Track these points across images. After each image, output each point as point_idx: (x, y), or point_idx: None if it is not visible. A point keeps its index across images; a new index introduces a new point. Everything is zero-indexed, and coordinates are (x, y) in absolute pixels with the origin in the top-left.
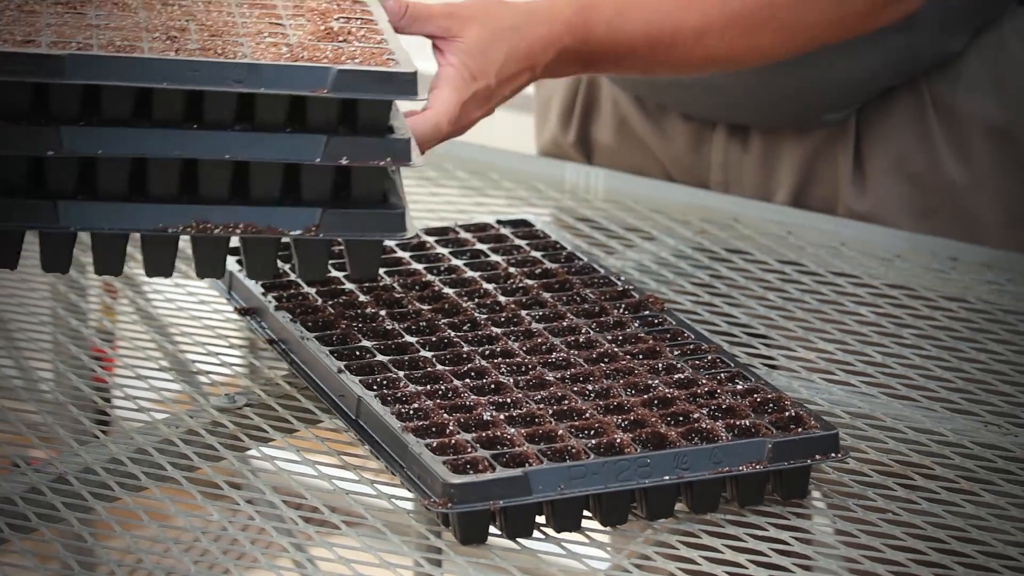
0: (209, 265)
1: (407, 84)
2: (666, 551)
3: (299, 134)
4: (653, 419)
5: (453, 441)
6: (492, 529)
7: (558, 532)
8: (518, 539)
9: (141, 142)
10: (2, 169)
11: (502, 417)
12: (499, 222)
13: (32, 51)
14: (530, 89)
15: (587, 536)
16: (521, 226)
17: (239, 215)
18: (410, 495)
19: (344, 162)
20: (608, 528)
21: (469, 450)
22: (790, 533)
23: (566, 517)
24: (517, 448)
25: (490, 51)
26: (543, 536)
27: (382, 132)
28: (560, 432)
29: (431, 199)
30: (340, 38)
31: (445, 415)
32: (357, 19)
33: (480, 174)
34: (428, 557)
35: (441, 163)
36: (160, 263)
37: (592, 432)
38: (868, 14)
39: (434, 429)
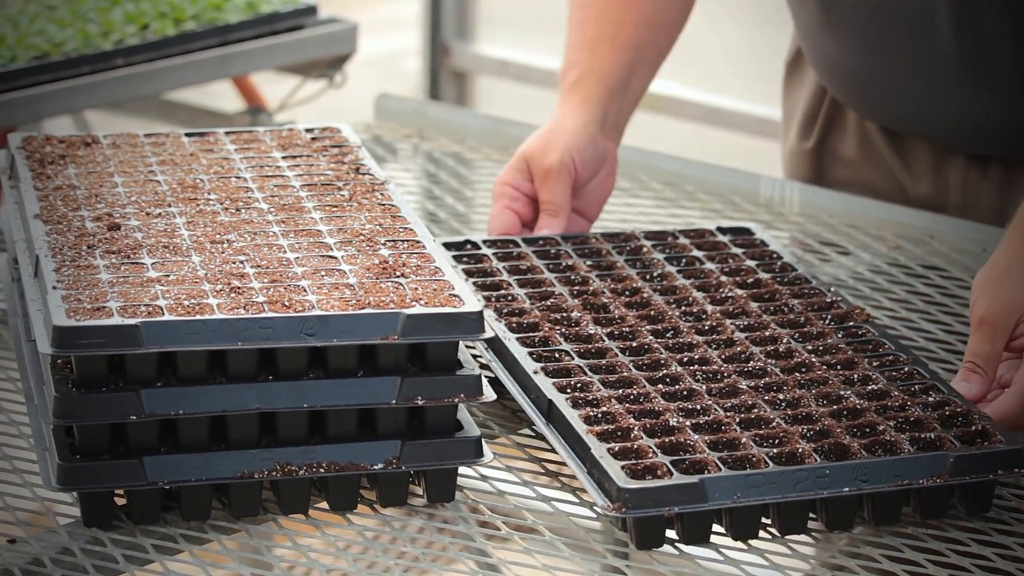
0: (294, 502)
1: (474, 324)
2: (867, 563)
3: (373, 378)
4: (838, 430)
5: (636, 446)
6: (673, 535)
7: (735, 540)
8: (715, 547)
9: (220, 399)
10: (86, 433)
11: (688, 424)
12: (720, 229)
13: (106, 323)
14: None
15: (790, 548)
16: (742, 234)
17: (320, 454)
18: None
19: (419, 402)
20: (788, 536)
21: (650, 455)
22: (992, 549)
23: (743, 525)
24: (697, 455)
25: None
26: (746, 546)
27: (452, 369)
28: (743, 440)
29: (626, 210)
30: (397, 272)
31: (632, 419)
32: (403, 242)
33: (675, 185)
34: (629, 565)
35: (636, 174)
36: (246, 505)
37: (776, 441)
38: None
39: (619, 433)
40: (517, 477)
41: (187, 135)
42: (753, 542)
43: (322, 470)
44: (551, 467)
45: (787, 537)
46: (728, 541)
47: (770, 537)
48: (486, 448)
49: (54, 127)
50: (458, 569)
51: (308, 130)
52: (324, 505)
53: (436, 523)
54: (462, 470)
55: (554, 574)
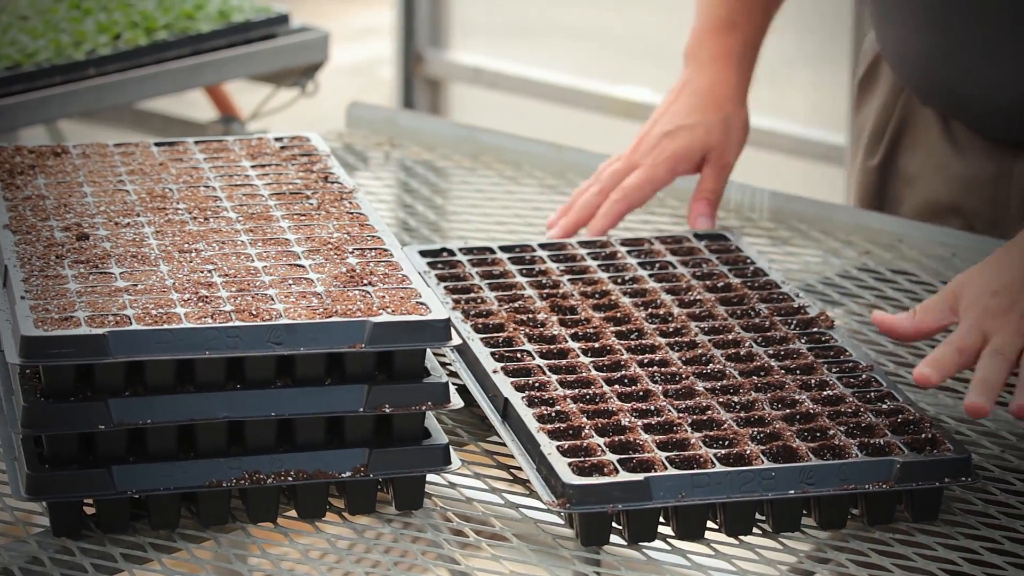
0: (263, 510)
1: (440, 331)
2: (834, 569)
3: (340, 386)
4: (788, 433)
5: (585, 444)
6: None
7: (680, 539)
8: (689, 553)
9: (188, 407)
10: (54, 442)
11: (640, 423)
12: (696, 235)
13: (73, 332)
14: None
15: (757, 553)
16: (717, 239)
17: (288, 463)
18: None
19: (387, 410)
20: (753, 542)
21: (598, 453)
22: (958, 554)
23: (688, 525)
24: (645, 454)
25: None
26: (713, 552)
27: (419, 376)
28: (693, 441)
29: None
30: (364, 281)
31: (585, 419)
32: (371, 250)
33: None
34: (598, 572)
35: None
36: (215, 514)
37: (726, 443)
38: None
39: (570, 431)
40: (485, 484)
41: (157, 145)
42: (719, 547)
43: (290, 478)
44: (519, 474)
45: (753, 543)
46: (695, 546)
47: (737, 543)
48: (454, 455)
49: (28, 137)
50: None
51: (277, 139)
52: (293, 513)
53: (408, 531)
54: (430, 477)
55: None
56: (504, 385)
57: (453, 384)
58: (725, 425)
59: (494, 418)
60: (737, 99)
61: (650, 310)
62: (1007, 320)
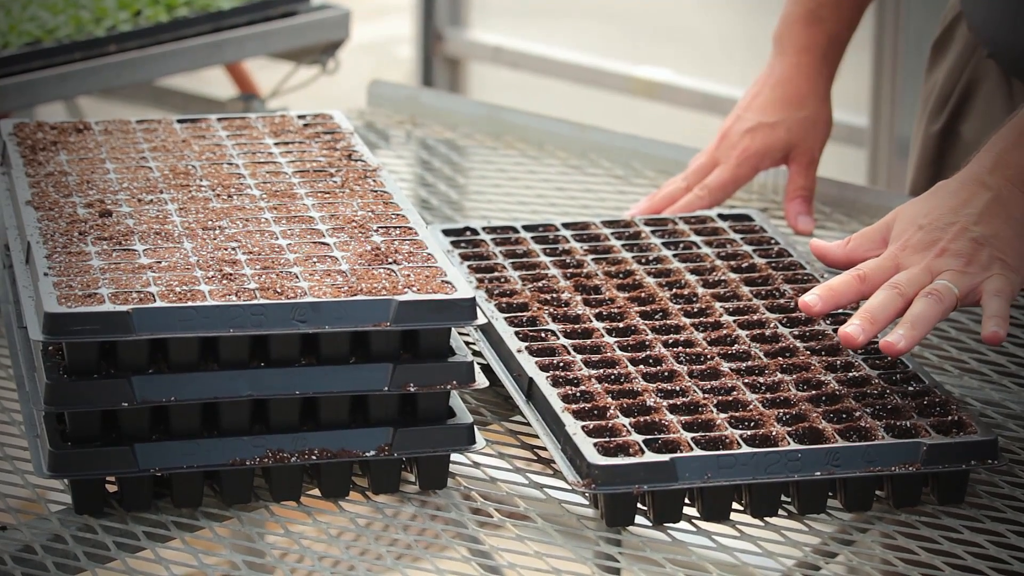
0: (286, 489)
1: (466, 310)
2: (859, 551)
3: (365, 365)
4: (814, 415)
5: (611, 424)
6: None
7: (706, 520)
8: (714, 535)
9: (211, 385)
10: (77, 420)
11: (665, 404)
12: (720, 216)
13: (97, 309)
14: None
15: (783, 535)
16: (741, 220)
17: (312, 441)
18: None
19: (411, 389)
20: (778, 524)
21: (624, 433)
22: (985, 536)
23: (714, 506)
24: (671, 434)
25: None
26: (738, 533)
27: (444, 355)
28: (719, 421)
29: (619, 197)
30: (389, 259)
31: (610, 399)
32: (396, 228)
33: (669, 173)
34: (621, 552)
35: (629, 161)
36: (238, 492)
37: (752, 423)
38: None
39: (595, 412)
40: (509, 464)
41: (179, 121)
42: (744, 529)
43: (314, 457)
44: (543, 454)
45: (778, 525)
46: (720, 527)
47: (762, 524)
48: (478, 435)
49: (47, 113)
50: (450, 556)
51: (300, 116)
52: (316, 492)
53: (428, 510)
54: (454, 457)
55: (546, 561)
56: (528, 365)
57: (477, 363)
58: (751, 406)
59: (518, 398)
60: (819, 94)
61: (675, 290)
62: (922, 256)
